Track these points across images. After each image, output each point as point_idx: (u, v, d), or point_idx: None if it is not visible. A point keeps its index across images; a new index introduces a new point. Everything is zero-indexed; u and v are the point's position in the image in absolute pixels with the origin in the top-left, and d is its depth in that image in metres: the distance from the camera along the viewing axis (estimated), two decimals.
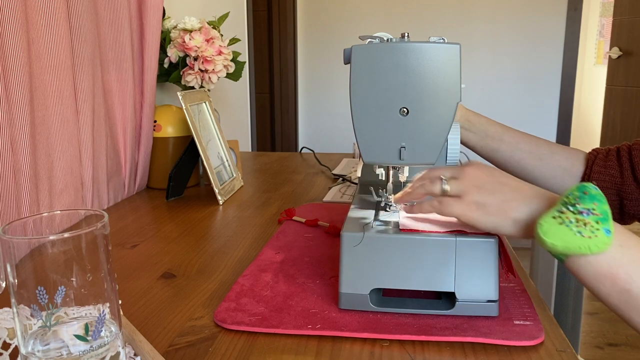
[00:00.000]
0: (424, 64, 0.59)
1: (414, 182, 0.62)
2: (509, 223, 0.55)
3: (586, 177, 0.85)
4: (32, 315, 0.41)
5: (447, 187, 0.58)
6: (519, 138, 0.88)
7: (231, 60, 1.25)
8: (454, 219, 0.59)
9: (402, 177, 0.67)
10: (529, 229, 0.54)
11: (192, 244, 0.86)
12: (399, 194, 0.63)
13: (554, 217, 0.50)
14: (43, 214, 0.47)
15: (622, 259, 0.49)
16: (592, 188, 0.50)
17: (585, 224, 0.48)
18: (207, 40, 1.19)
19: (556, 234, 0.49)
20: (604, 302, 0.51)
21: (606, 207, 0.49)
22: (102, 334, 0.43)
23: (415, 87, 0.59)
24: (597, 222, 0.48)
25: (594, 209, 0.49)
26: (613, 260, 0.49)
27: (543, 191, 0.56)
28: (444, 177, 0.59)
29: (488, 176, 0.57)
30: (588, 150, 0.90)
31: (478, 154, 0.92)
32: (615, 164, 0.83)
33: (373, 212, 0.67)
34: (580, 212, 0.49)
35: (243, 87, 2.21)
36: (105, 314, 0.43)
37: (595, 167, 0.84)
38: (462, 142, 0.91)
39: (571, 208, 0.49)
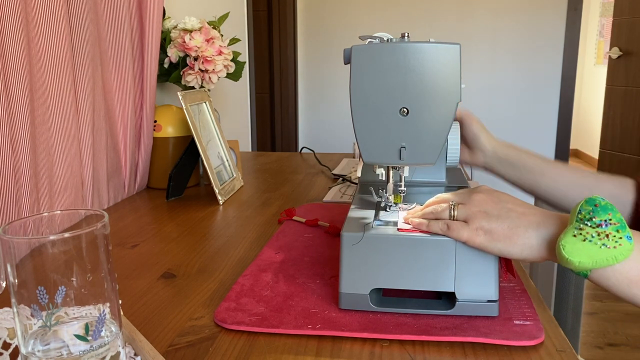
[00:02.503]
0: (424, 64, 0.59)
1: (424, 206, 0.63)
2: (517, 249, 0.55)
3: (639, 206, 0.81)
4: (32, 315, 0.41)
5: (454, 213, 0.59)
6: (561, 170, 0.84)
7: (231, 60, 1.25)
8: None
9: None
10: (542, 252, 0.55)
11: (192, 244, 0.86)
12: (408, 215, 0.64)
13: (574, 236, 0.50)
14: (43, 214, 0.47)
15: None
16: (600, 200, 0.50)
17: (607, 235, 0.49)
18: (207, 40, 1.19)
19: (581, 251, 0.50)
20: None
21: (619, 215, 0.50)
22: (103, 333, 0.43)
23: (415, 87, 0.59)
24: (617, 231, 0.49)
25: (610, 219, 0.49)
26: None
27: (549, 213, 0.56)
28: (452, 203, 0.60)
29: (495, 202, 0.58)
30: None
31: (514, 186, 0.88)
32: None
33: (373, 212, 0.67)
34: (599, 225, 0.49)
35: (243, 87, 2.21)
36: (105, 314, 0.43)
37: None
38: (498, 176, 0.88)
39: (589, 223, 0.50)
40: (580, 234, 0.50)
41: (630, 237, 0.49)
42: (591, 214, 0.50)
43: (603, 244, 0.49)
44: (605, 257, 0.49)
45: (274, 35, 3.23)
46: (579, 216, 0.50)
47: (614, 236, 0.49)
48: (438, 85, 0.59)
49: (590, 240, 0.49)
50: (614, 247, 0.49)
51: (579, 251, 0.50)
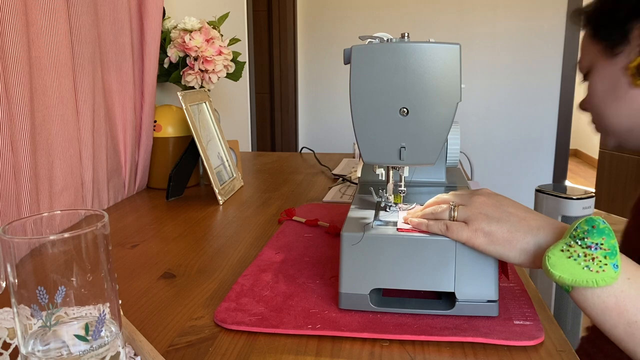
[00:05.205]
0: (424, 64, 0.59)
1: (425, 207, 0.63)
2: (516, 253, 0.55)
3: None
4: (32, 315, 0.41)
5: (454, 214, 0.59)
6: None
7: (231, 60, 1.25)
8: None
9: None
10: (536, 259, 0.55)
11: (192, 244, 0.86)
12: (407, 215, 0.64)
13: (562, 250, 0.50)
14: (43, 214, 0.47)
15: (630, 291, 0.49)
16: (600, 222, 0.50)
17: (593, 259, 0.49)
18: (207, 40, 1.19)
19: (564, 267, 0.50)
20: (608, 334, 0.51)
21: (614, 242, 0.49)
22: (102, 334, 0.43)
23: (415, 87, 0.59)
24: (605, 257, 0.49)
25: (602, 244, 0.49)
26: (620, 292, 0.49)
27: (550, 221, 0.56)
28: (452, 204, 0.60)
29: (495, 205, 0.58)
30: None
31: None
32: None
33: (373, 212, 0.67)
34: (589, 247, 0.49)
35: (243, 87, 2.21)
36: (105, 314, 0.43)
37: None
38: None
39: (579, 242, 0.50)
40: (568, 250, 0.50)
41: (617, 265, 0.49)
42: (585, 234, 0.50)
43: (586, 266, 0.49)
44: (585, 279, 0.49)
45: (274, 35, 3.23)
46: (574, 233, 0.50)
47: (600, 261, 0.49)
48: (438, 85, 0.59)
49: (575, 259, 0.49)
50: (597, 271, 0.49)
51: (561, 266, 0.50)
